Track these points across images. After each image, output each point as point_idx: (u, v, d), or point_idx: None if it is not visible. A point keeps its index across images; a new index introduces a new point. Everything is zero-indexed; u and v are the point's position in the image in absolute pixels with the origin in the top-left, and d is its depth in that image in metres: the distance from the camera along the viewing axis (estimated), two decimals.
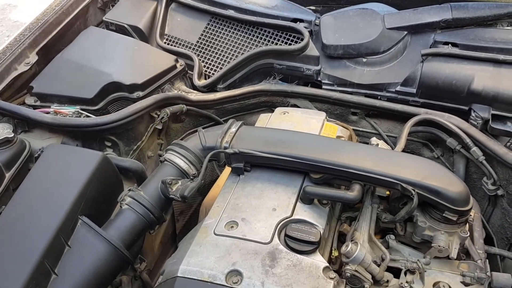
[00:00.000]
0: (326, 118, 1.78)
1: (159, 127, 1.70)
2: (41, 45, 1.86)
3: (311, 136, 1.57)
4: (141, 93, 1.68)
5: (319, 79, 1.90)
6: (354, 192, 1.36)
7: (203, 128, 1.72)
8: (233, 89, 1.92)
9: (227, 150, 1.46)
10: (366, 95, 1.87)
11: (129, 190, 1.43)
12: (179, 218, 2.01)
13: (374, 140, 1.71)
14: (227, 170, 1.83)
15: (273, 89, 1.90)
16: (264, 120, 1.79)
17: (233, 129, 1.54)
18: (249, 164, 1.51)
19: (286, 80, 1.94)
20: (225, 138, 1.51)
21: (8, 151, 1.56)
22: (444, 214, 1.35)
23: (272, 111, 2.02)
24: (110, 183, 1.46)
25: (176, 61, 1.83)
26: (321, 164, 1.40)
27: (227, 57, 1.97)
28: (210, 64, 1.99)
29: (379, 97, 1.86)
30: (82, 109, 1.63)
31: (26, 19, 5.22)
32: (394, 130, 1.92)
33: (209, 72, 1.96)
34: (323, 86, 1.90)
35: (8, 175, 1.54)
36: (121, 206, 1.40)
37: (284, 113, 1.81)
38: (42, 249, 1.20)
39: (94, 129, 1.52)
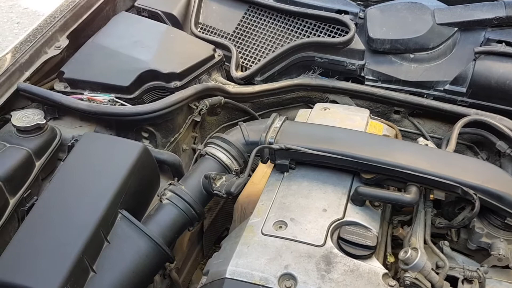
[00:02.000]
0: (370, 115, 1.72)
1: (197, 119, 1.64)
2: (72, 28, 1.80)
3: (362, 134, 1.50)
4: (178, 83, 1.62)
5: (362, 74, 1.84)
6: (411, 195, 1.29)
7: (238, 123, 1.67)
8: (271, 82, 1.85)
9: (272, 146, 1.40)
10: (411, 93, 1.80)
11: (170, 184, 1.37)
12: (206, 215, 1.95)
13: (421, 140, 1.64)
14: (261, 167, 1.77)
15: (313, 84, 1.84)
16: (304, 115, 1.73)
17: (277, 124, 1.48)
18: (294, 161, 1.45)
19: (326, 75, 1.88)
20: (270, 133, 1.45)
21: (38, 138, 1.49)
22: (506, 221, 1.29)
23: (309, 107, 1.97)
24: (149, 176, 1.40)
25: (214, 50, 1.77)
26: (375, 164, 1.34)
27: (265, 49, 1.90)
28: (247, 55, 1.93)
29: (425, 96, 1.80)
30: (116, 98, 1.57)
31: (36, 7, 5.18)
32: (438, 131, 1.85)
33: (246, 64, 1.90)
34: (366, 82, 1.84)
35: (38, 164, 1.47)
36: (161, 201, 1.35)
37: (325, 109, 1.75)
38: (81, 244, 1.14)
39: (133, 118, 1.46)
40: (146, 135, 1.55)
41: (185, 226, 1.36)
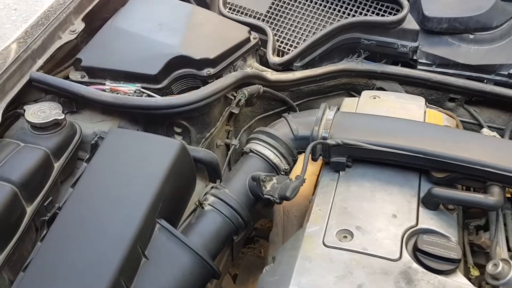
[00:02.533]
0: (426, 104, 1.53)
1: (235, 111, 1.45)
2: (87, 10, 1.60)
3: (431, 126, 1.32)
4: (212, 70, 1.43)
5: (414, 58, 1.65)
6: (494, 197, 1.12)
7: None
8: (311, 68, 1.67)
9: (328, 141, 1.22)
10: (470, 78, 1.62)
11: (212, 187, 1.19)
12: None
13: (485, 131, 1.47)
14: (301, 163, 1.59)
15: (359, 69, 1.65)
16: (350, 105, 1.54)
17: (329, 115, 1.30)
18: (350, 158, 1.27)
19: (372, 59, 1.69)
20: (322, 126, 1.27)
21: (56, 136, 1.31)
22: None
23: (351, 95, 1.79)
24: (186, 178, 1.22)
25: (249, 33, 1.58)
26: (450, 161, 1.16)
27: (304, 30, 1.71)
28: (284, 37, 1.73)
29: (485, 81, 1.61)
30: (143, 88, 1.39)
31: None
32: (497, 120, 1.67)
33: (283, 48, 1.71)
34: (419, 67, 1.65)
35: (57, 166, 1.30)
36: (202, 207, 1.17)
37: (374, 97, 1.56)
38: (117, 263, 0.97)
39: (166, 111, 1.27)
40: (179, 130, 1.37)
41: (231, 235, 1.19)
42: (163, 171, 1.10)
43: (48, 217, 1.14)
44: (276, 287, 1.03)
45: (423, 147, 1.20)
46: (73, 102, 1.43)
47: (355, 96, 1.74)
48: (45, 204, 1.13)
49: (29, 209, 1.19)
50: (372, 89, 1.70)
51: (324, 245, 1.09)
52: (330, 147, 1.23)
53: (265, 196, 1.15)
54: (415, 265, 1.03)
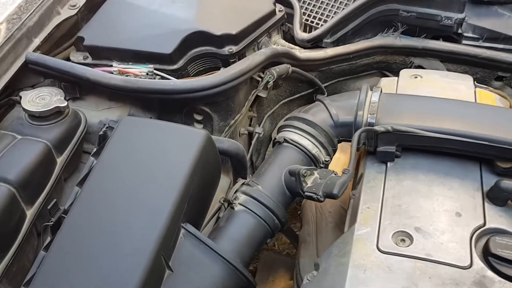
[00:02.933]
0: (475, 83, 1.37)
1: (263, 94, 1.28)
2: None
3: (493, 109, 1.16)
4: (234, 48, 1.25)
5: (459, 31, 1.48)
6: None
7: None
8: (342, 44, 1.49)
9: (376, 128, 1.06)
10: None
11: (243, 184, 1.03)
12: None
13: None
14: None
15: (397, 45, 1.48)
16: (389, 86, 1.37)
17: (374, 98, 1.14)
18: (400, 147, 1.11)
19: (410, 33, 1.52)
20: (367, 111, 1.11)
21: (58, 127, 1.15)
22: None
23: (384, 75, 1.62)
24: (211, 174, 1.06)
25: (274, 5, 1.40)
26: None
27: (335, 2, 1.53)
28: (311, 11, 1.55)
29: None
30: (156, 69, 1.22)
31: None
32: None
33: (311, 22, 1.53)
34: (464, 41, 1.48)
35: (60, 161, 1.13)
36: (232, 207, 1.01)
37: (416, 77, 1.39)
38: (137, 280, 0.81)
39: (187, 96, 1.10)
40: (199, 118, 1.20)
41: (265, 239, 1.04)
42: (187, 166, 0.94)
43: (52, 222, 0.98)
44: None
45: (488, 133, 1.04)
46: (76, 87, 1.26)
47: (389, 76, 1.57)
48: (48, 207, 0.97)
49: (29, 213, 1.03)
50: (410, 68, 1.53)
51: (380, 250, 0.93)
52: (377, 134, 1.07)
53: (306, 193, 0.99)
54: (490, 273, 0.88)
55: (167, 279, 0.89)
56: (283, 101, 1.48)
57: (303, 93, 1.49)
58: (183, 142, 0.98)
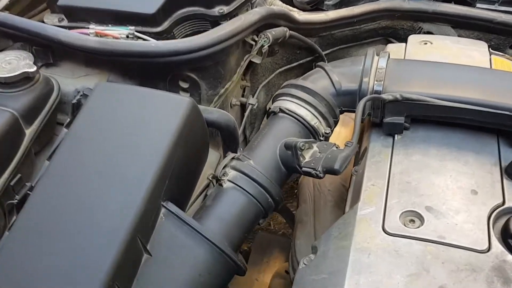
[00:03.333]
0: (489, 49, 1.26)
1: (257, 60, 1.17)
2: None
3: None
4: (225, 9, 1.13)
5: None
6: None
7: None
8: (345, 7, 1.37)
9: (383, 96, 0.96)
10: None
11: (233, 158, 0.93)
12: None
13: None
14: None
15: (405, 8, 1.36)
16: (396, 53, 1.25)
17: (382, 64, 1.03)
18: (409, 118, 1.01)
19: None
20: (373, 77, 1.00)
21: (27, 94, 1.03)
22: None
23: (389, 42, 1.51)
24: (197, 147, 0.96)
25: None
26: None
27: None
28: None
29: None
30: (137, 31, 1.10)
31: None
32: None
33: None
34: (478, 5, 1.37)
35: (29, 133, 1.03)
36: (220, 184, 0.91)
37: (425, 43, 1.28)
38: (109, 264, 0.72)
39: (171, 60, 0.99)
40: (185, 85, 1.09)
41: (257, 219, 0.94)
42: (169, 137, 0.84)
43: (17, 200, 0.88)
44: None
45: (508, 101, 0.94)
46: (49, 52, 1.14)
47: (392, 43, 1.46)
48: (11, 183, 0.87)
49: None
50: (419, 34, 1.42)
51: (386, 232, 0.84)
52: (385, 103, 0.97)
53: (304, 169, 0.89)
54: (510, 258, 0.78)
55: (145, 264, 0.79)
56: (280, 70, 1.37)
57: (301, 61, 1.38)
58: (164, 110, 0.87)
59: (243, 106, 1.33)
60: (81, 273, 0.71)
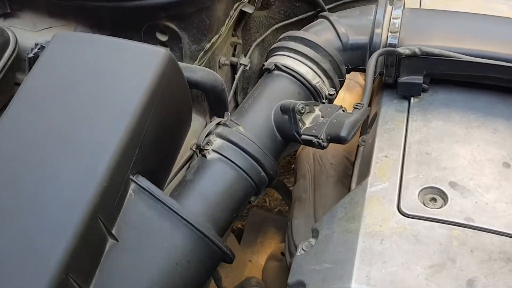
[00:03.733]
0: None
1: (249, 10, 1.01)
2: None
3: None
4: None
5: None
6: None
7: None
8: None
9: (399, 50, 0.81)
10: None
11: (218, 124, 0.79)
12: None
13: None
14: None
15: None
16: (410, 3, 1.10)
17: (396, 13, 0.87)
18: (428, 77, 0.86)
19: None
20: (387, 28, 0.85)
21: None
22: None
23: None
24: (176, 109, 0.81)
25: None
26: None
27: None
28: None
29: None
30: None
31: None
32: None
33: None
34: None
35: None
36: (203, 155, 0.77)
37: None
38: (61, 252, 0.58)
39: (143, 3, 0.83)
40: (164, 38, 0.93)
41: (248, 196, 0.80)
42: (140, 96, 0.69)
43: None
44: (327, 282, 0.66)
45: None
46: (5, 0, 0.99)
47: None
48: None
49: None
50: None
51: (402, 213, 0.70)
52: (400, 59, 0.82)
53: (303, 136, 0.74)
54: None
55: (110, 251, 0.66)
56: (276, 25, 1.21)
57: (301, 16, 1.22)
58: (134, 63, 0.72)
59: (233, 67, 1.18)
60: (27, 264, 0.58)
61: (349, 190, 0.91)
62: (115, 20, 0.91)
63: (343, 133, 0.70)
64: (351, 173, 0.94)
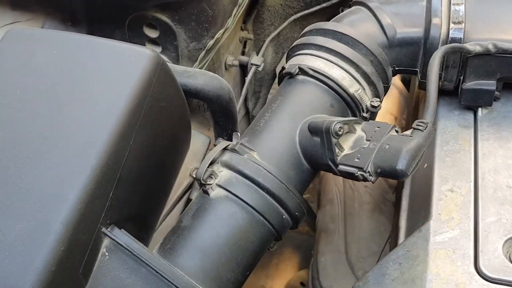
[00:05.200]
0: None
1: None
2: None
3: None
4: None
5: None
6: None
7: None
8: None
9: (468, 46, 0.62)
10: None
11: (225, 149, 0.60)
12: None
13: None
14: None
15: None
16: None
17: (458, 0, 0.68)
18: (501, 82, 0.67)
19: None
20: (446, 18, 0.66)
21: None
22: None
23: None
24: (168, 128, 0.63)
25: None
26: None
27: None
28: None
29: None
30: None
31: None
32: None
33: None
34: None
35: None
36: (205, 192, 0.58)
37: None
38: None
39: None
40: (154, 34, 0.75)
41: (265, 245, 0.61)
42: (115, 115, 0.51)
43: None
44: None
45: None
46: None
47: None
48: None
49: None
50: None
51: (482, 275, 0.52)
52: (468, 58, 0.63)
53: (342, 167, 0.56)
54: None
55: None
56: (294, 16, 1.02)
57: (324, 5, 1.03)
58: (110, 70, 0.54)
59: (243, 68, 1.00)
60: None
61: (393, 226, 0.73)
62: (91, 13, 0.73)
63: (400, 166, 0.51)
64: (396, 203, 0.76)
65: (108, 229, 0.51)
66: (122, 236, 0.51)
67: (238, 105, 1.00)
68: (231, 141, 0.63)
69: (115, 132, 0.51)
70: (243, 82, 1.01)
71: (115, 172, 0.51)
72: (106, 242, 0.51)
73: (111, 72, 0.55)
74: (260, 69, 0.98)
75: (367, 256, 0.88)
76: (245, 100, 1.07)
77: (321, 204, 1.01)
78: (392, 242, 0.73)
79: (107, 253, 0.51)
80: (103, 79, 0.54)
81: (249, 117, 1.10)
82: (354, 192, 0.94)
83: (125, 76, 0.54)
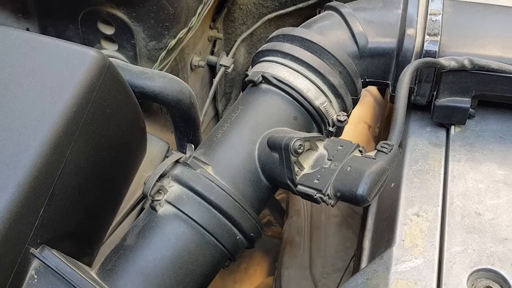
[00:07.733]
0: None
1: None
2: None
3: None
4: None
5: None
6: None
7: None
8: None
9: (442, 61, 0.58)
10: None
11: (177, 162, 0.56)
12: None
13: None
14: None
15: None
16: None
17: (435, 6, 0.65)
18: (477, 99, 0.64)
19: None
20: (421, 28, 0.62)
21: None
22: None
23: None
24: (118, 134, 0.58)
25: None
26: None
27: None
28: None
29: None
30: None
31: None
32: None
33: None
34: None
35: None
36: (152, 207, 0.54)
37: None
38: None
39: None
40: (109, 31, 0.69)
41: (217, 267, 0.57)
42: (51, 121, 0.47)
43: None
44: None
45: None
46: None
47: None
48: None
49: None
50: None
51: None
52: (442, 73, 0.60)
53: (300, 188, 0.52)
54: None
55: None
56: (269, 16, 0.98)
57: (300, 5, 0.99)
58: (49, 72, 0.50)
59: (212, 68, 0.95)
60: None
61: (358, 244, 0.70)
62: (41, 4, 0.68)
63: (361, 191, 0.48)
64: (362, 219, 0.73)
65: (38, 250, 0.47)
66: (52, 258, 0.47)
67: (206, 107, 0.96)
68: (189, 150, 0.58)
69: (48, 143, 0.47)
70: (212, 82, 0.97)
71: (47, 187, 0.47)
72: (35, 263, 0.47)
73: (49, 74, 0.50)
74: (229, 70, 0.93)
75: (331, 272, 0.85)
76: (214, 101, 1.02)
77: (288, 214, 0.97)
78: (356, 261, 0.70)
79: (35, 276, 0.47)
80: (39, 81, 0.50)
81: (218, 119, 1.06)
82: (321, 204, 0.90)
83: (64, 79, 0.50)
